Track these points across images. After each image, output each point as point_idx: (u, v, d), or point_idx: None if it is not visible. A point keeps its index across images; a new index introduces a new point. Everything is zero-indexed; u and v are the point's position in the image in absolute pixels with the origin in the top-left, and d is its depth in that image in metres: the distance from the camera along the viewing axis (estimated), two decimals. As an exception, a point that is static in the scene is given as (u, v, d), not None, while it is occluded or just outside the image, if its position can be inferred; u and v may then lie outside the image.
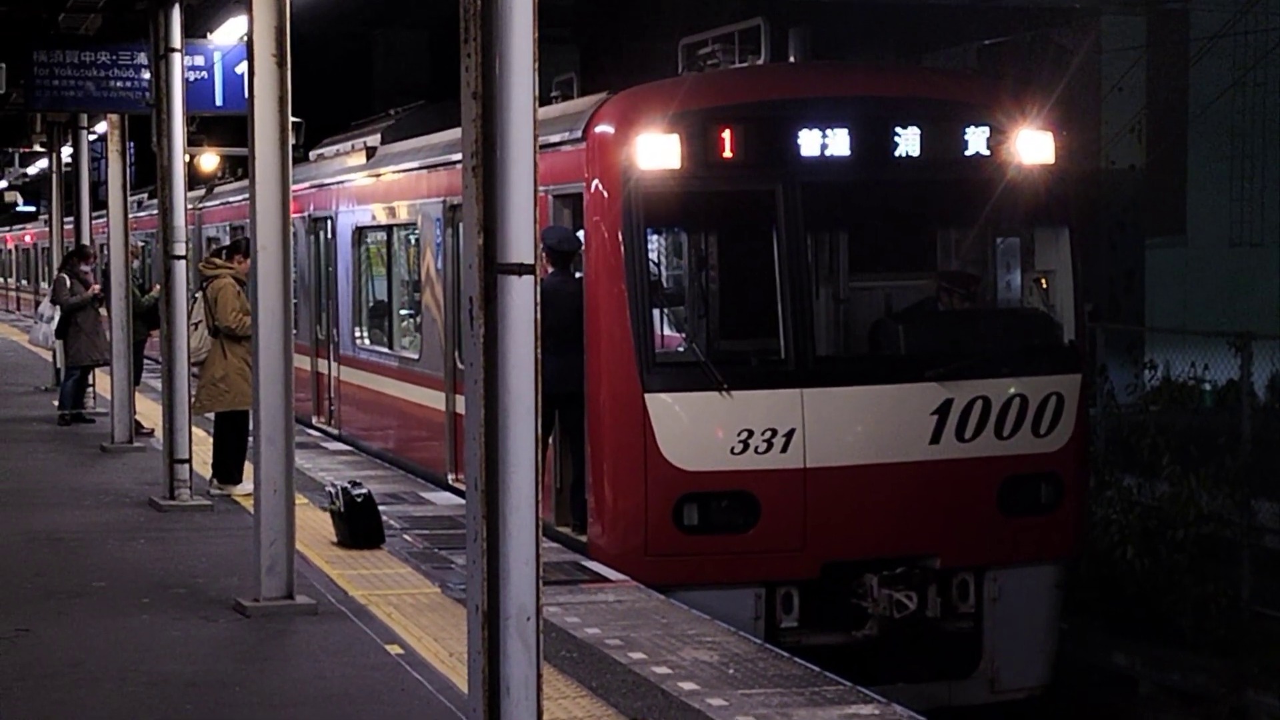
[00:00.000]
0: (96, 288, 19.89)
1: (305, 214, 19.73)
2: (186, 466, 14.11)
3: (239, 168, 26.97)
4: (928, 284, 12.85)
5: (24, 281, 54.35)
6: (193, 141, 23.01)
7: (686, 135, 11.45)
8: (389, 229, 17.27)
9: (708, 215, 12.21)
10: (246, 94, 10.25)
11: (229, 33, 16.50)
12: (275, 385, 10.19)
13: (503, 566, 6.21)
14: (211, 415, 14.72)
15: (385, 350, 17.24)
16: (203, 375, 14.41)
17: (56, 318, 20.22)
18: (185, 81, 14.28)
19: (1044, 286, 12.56)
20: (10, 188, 44.60)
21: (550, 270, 12.06)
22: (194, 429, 14.38)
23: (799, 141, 11.68)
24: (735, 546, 11.37)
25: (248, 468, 13.83)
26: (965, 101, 12.26)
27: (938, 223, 12.95)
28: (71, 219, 22.88)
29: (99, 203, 22.87)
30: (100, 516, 13.81)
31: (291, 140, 10.31)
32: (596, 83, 13.93)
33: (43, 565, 11.85)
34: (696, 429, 11.37)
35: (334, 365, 19.01)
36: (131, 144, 19.63)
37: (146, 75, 16.30)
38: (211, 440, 15.04)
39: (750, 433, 11.31)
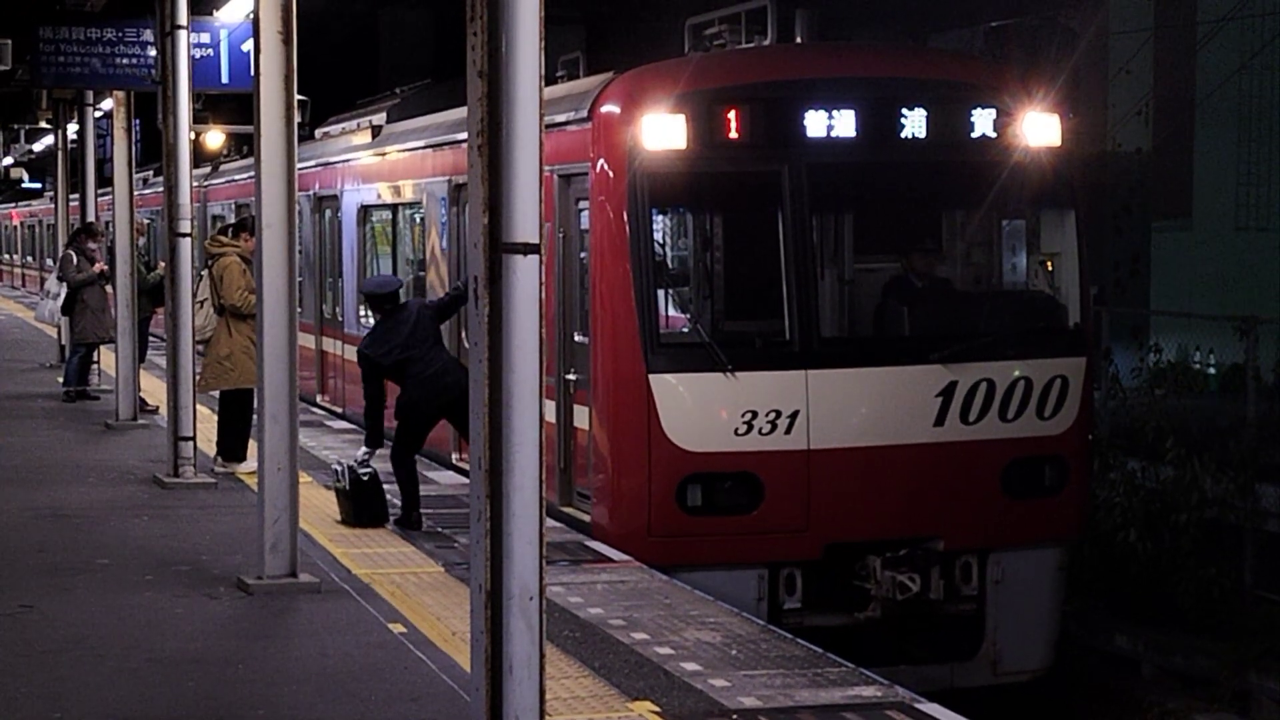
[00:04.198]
0: (103, 265, 19.88)
1: (310, 192, 19.72)
2: (191, 444, 14.13)
3: (244, 145, 26.96)
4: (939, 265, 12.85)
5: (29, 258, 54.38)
6: (198, 119, 23.00)
7: (692, 115, 11.44)
8: (394, 208, 17.26)
9: (713, 196, 12.20)
10: (252, 72, 10.24)
11: (235, 10, 16.48)
12: (279, 363, 10.19)
13: (506, 546, 6.21)
14: (216, 393, 14.73)
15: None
16: (208, 353, 14.42)
17: (63, 294, 20.22)
18: (191, 59, 14.27)
19: (1049, 269, 12.55)
20: (16, 164, 44.54)
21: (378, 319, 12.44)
22: (198, 407, 14.40)
23: (805, 122, 11.66)
24: (738, 528, 11.38)
25: (252, 446, 13.83)
26: (972, 83, 12.24)
27: (943, 204, 12.93)
28: (77, 196, 22.86)
29: (104, 180, 22.85)
30: (104, 493, 13.83)
31: (297, 118, 10.30)
32: (602, 62, 13.91)
33: (46, 541, 11.87)
34: (700, 410, 11.37)
35: (338, 343, 19.01)
36: (137, 121, 19.63)
37: (152, 52, 16.30)
38: (216, 418, 15.05)
39: (754, 414, 11.31)
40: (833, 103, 11.68)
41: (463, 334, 14.12)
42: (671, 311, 11.96)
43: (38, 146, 37.82)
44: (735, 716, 7.83)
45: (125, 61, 17.01)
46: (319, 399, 19.73)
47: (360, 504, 12.21)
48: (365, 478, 12.20)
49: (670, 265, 12.48)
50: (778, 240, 11.60)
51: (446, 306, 12.56)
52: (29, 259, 54.48)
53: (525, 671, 6.24)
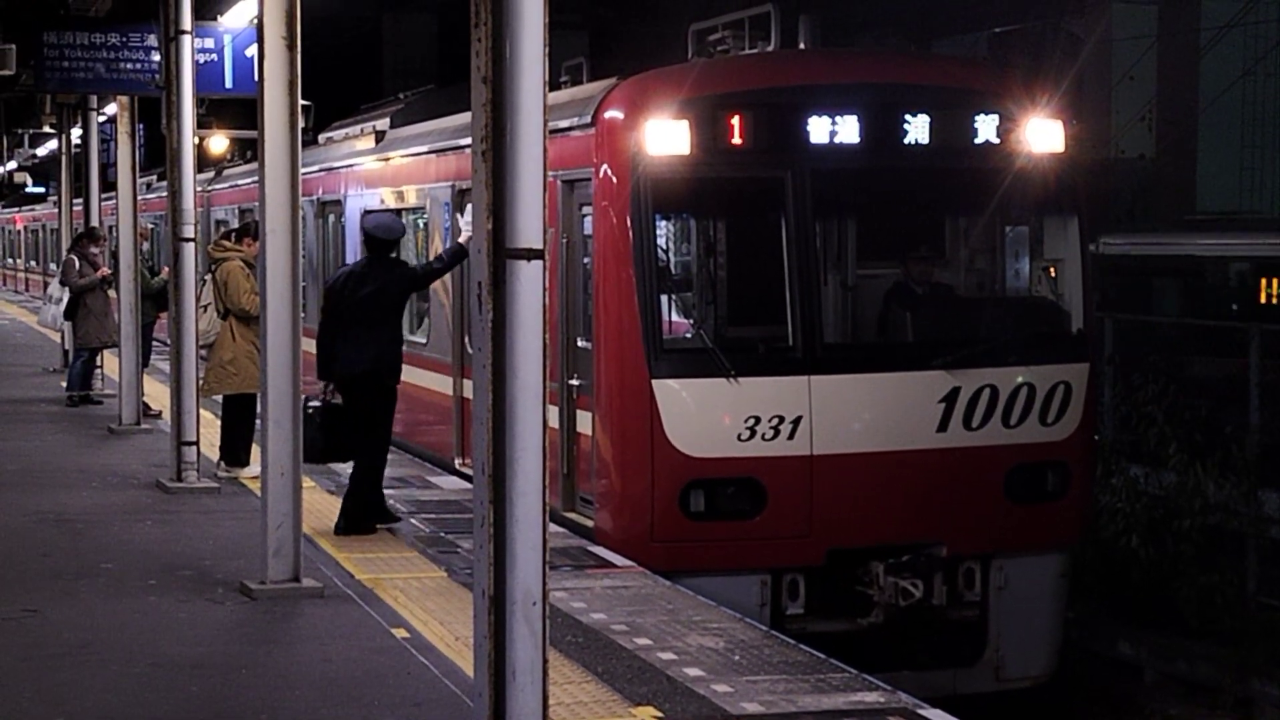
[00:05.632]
0: (106, 270, 19.90)
1: (314, 197, 19.72)
2: (194, 449, 14.13)
3: (248, 150, 26.98)
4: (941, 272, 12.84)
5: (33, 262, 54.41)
6: (202, 124, 23.01)
7: (696, 121, 11.44)
8: (397, 213, 17.25)
9: (716, 201, 12.20)
10: (256, 77, 10.25)
11: (239, 15, 16.50)
12: (283, 368, 10.19)
13: (509, 551, 6.22)
14: (219, 398, 14.74)
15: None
16: (211, 358, 14.43)
17: (65, 299, 20.24)
18: (195, 64, 14.27)
19: (1053, 275, 12.56)
20: (20, 169, 44.59)
21: (365, 256, 12.15)
22: (202, 411, 14.41)
23: (808, 128, 11.67)
24: (741, 533, 11.38)
25: (255, 450, 13.84)
26: (975, 89, 12.24)
27: (946, 211, 12.93)
28: (80, 201, 22.87)
29: (108, 184, 22.87)
30: (107, 498, 13.83)
31: (301, 123, 10.30)
32: (606, 68, 13.91)
33: (50, 546, 11.88)
34: (703, 415, 11.37)
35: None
36: (141, 126, 19.64)
37: (156, 57, 16.29)
38: (219, 423, 15.06)
39: (757, 419, 11.31)
40: (836, 108, 11.68)
41: (465, 339, 14.13)
42: (675, 317, 11.96)
43: (41, 151, 37.87)
44: (738, 722, 7.84)
45: (129, 66, 17.02)
46: (322, 404, 19.69)
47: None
48: (308, 410, 11.64)
49: (673, 271, 12.48)
50: (781, 246, 11.61)
51: (419, 278, 12.44)
52: (32, 263, 54.51)
53: (528, 677, 6.25)
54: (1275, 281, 20.89)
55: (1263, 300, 20.93)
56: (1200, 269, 21.93)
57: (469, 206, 12.39)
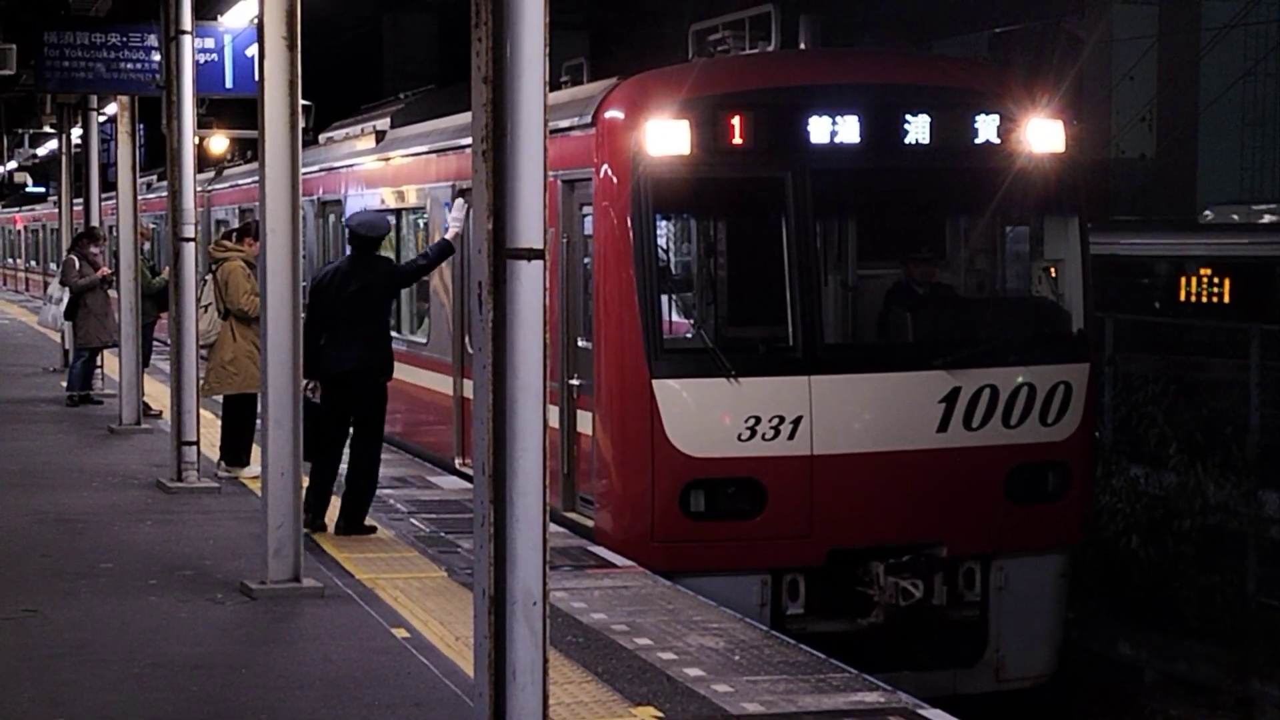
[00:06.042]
0: (106, 270, 19.90)
1: (315, 197, 19.73)
2: (194, 449, 14.13)
3: (248, 150, 26.98)
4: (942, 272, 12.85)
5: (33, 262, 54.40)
6: (202, 124, 23.00)
7: (696, 121, 11.44)
8: (398, 213, 17.26)
9: (717, 202, 12.20)
10: (256, 77, 10.25)
11: (239, 15, 16.50)
12: (283, 368, 10.20)
13: (509, 551, 6.22)
14: (219, 398, 14.74)
15: (393, 334, 17.19)
16: (211, 358, 14.43)
17: (65, 299, 20.24)
18: (195, 64, 14.26)
19: (1053, 275, 12.56)
20: (20, 169, 44.59)
21: (350, 253, 12.14)
22: (202, 411, 14.41)
23: (809, 129, 11.67)
24: (741, 533, 11.38)
25: (255, 450, 13.85)
26: (976, 89, 12.24)
27: (947, 211, 12.93)
28: (81, 200, 22.87)
29: (108, 184, 22.87)
30: (108, 498, 13.83)
31: (301, 123, 10.30)
32: (606, 68, 13.92)
33: (50, 546, 11.88)
34: (704, 415, 11.37)
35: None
36: (141, 126, 19.63)
37: (156, 57, 16.30)
38: (219, 423, 15.06)
39: (757, 419, 11.32)
40: (836, 109, 11.68)
41: (465, 339, 14.13)
42: (675, 317, 11.96)
43: (42, 151, 37.88)
44: (738, 722, 7.84)
45: (129, 66, 17.02)
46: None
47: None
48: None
49: (674, 271, 12.49)
50: (781, 246, 11.61)
51: (406, 275, 12.48)
52: (33, 263, 54.51)
53: (528, 677, 6.25)
54: (1194, 280, 21.19)
55: (1182, 299, 21.25)
56: (1127, 269, 22.17)
57: (458, 201, 12.46)
